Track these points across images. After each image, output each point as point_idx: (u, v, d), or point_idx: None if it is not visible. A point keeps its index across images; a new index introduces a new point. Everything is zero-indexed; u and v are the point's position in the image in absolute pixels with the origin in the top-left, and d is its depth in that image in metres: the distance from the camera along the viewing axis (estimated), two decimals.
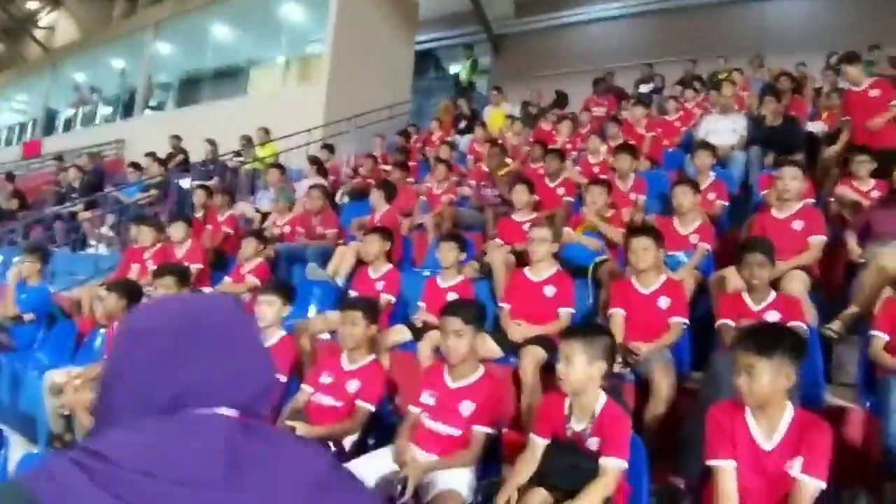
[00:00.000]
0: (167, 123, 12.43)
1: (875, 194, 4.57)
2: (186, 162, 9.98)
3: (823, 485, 2.06)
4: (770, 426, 2.18)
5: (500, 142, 7.78)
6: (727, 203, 5.34)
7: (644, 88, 10.27)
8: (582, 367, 2.42)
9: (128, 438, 0.72)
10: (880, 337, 3.08)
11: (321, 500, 0.74)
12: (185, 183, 8.74)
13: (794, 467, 2.10)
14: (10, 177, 12.09)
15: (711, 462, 2.20)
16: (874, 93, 5.38)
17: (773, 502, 2.12)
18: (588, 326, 2.75)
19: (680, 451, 2.92)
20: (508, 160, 7.11)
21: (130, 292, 4.15)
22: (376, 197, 6.13)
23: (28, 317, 5.17)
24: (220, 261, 6.23)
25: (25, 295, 5.26)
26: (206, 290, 5.27)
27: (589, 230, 4.83)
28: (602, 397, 2.51)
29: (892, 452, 2.66)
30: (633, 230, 3.86)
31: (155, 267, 5.46)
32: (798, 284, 3.73)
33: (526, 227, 4.90)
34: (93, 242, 8.25)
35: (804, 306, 3.42)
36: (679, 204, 4.50)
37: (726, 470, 2.16)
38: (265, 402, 0.84)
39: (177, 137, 10.56)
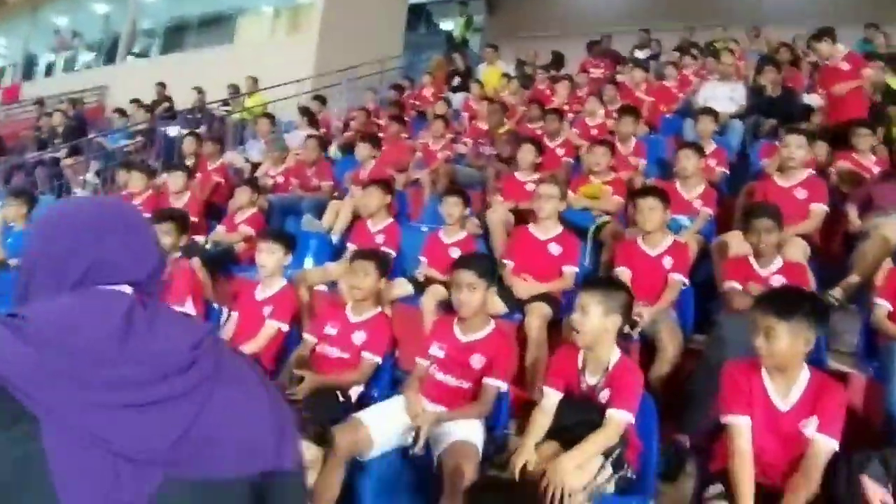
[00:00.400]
0: (151, 71, 12.08)
1: (875, 169, 4.60)
2: (172, 110, 9.72)
3: (837, 445, 2.10)
4: (786, 386, 2.20)
5: (497, 100, 7.67)
6: (727, 171, 5.35)
7: (641, 54, 10.17)
8: (597, 319, 2.42)
9: (45, 307, 0.89)
10: (883, 305, 3.13)
11: (205, 360, 0.90)
12: (172, 131, 8.53)
13: (809, 427, 2.13)
14: None
15: (727, 418, 2.22)
16: (845, 66, 5.54)
17: (787, 461, 2.15)
18: (608, 279, 2.74)
19: (685, 410, 2.97)
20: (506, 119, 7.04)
21: None
22: (363, 150, 6.03)
23: (14, 262, 5.03)
24: (210, 210, 6.12)
25: (11, 240, 5.12)
26: (200, 238, 5.17)
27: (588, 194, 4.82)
28: (616, 352, 2.51)
29: (892, 417, 2.72)
30: (641, 191, 3.86)
31: (145, 214, 5.37)
32: (798, 251, 3.76)
33: (529, 186, 4.89)
34: (76, 189, 8.05)
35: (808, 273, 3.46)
36: (683, 168, 4.49)
37: (742, 426, 2.19)
38: (157, 281, 1.02)
39: (162, 85, 10.28)
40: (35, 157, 8.85)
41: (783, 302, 2.21)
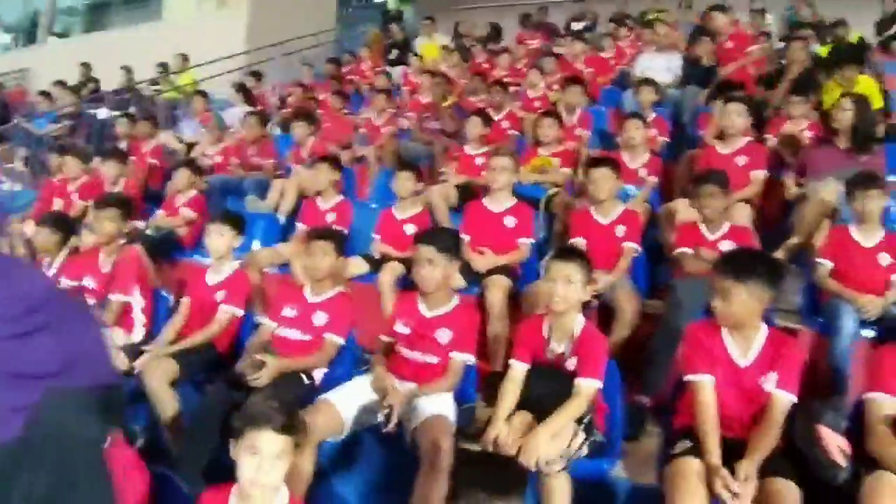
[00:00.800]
0: (74, 51, 11.46)
1: (808, 134, 4.79)
2: (98, 91, 9.25)
3: (795, 398, 2.21)
4: (746, 344, 2.29)
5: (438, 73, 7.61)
6: (668, 139, 5.48)
7: (576, 25, 10.26)
8: (580, 289, 2.47)
9: None
10: (825, 264, 3.30)
11: (58, 297, 1.10)
12: (101, 113, 8.12)
13: (769, 382, 2.23)
14: None
15: (690, 377, 2.30)
16: (729, 45, 6.21)
17: (749, 414, 2.25)
18: (579, 250, 2.77)
19: (645, 372, 3.06)
20: None
21: (64, 226, 3.85)
22: (300, 128, 5.89)
23: None
24: (146, 194, 5.87)
25: None
26: (140, 224, 4.96)
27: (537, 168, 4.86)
28: (581, 319, 2.56)
29: (838, 368, 2.88)
30: (594, 161, 3.92)
31: (81, 200, 5.11)
32: (744, 216, 3.92)
33: (478, 160, 4.89)
34: (2, 178, 7.57)
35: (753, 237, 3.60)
36: (631, 137, 4.58)
37: (705, 384, 2.27)
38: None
39: (86, 65, 9.75)
40: None
41: (740, 264, 2.29)
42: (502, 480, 1.60)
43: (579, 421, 2.35)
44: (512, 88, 7.09)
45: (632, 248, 3.64)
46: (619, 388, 2.70)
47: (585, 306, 3.24)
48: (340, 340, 3.09)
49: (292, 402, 2.17)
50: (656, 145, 5.27)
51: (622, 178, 4.10)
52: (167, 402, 2.89)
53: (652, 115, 5.48)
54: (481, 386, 3.06)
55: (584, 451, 2.35)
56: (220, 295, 3.45)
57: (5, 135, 8.13)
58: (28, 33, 14.98)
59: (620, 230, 3.67)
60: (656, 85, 5.72)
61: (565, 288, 2.46)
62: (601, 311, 3.37)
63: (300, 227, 4.53)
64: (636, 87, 5.75)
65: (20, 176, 7.52)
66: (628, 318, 3.22)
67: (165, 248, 4.76)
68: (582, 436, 2.33)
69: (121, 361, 3.12)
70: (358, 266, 4.03)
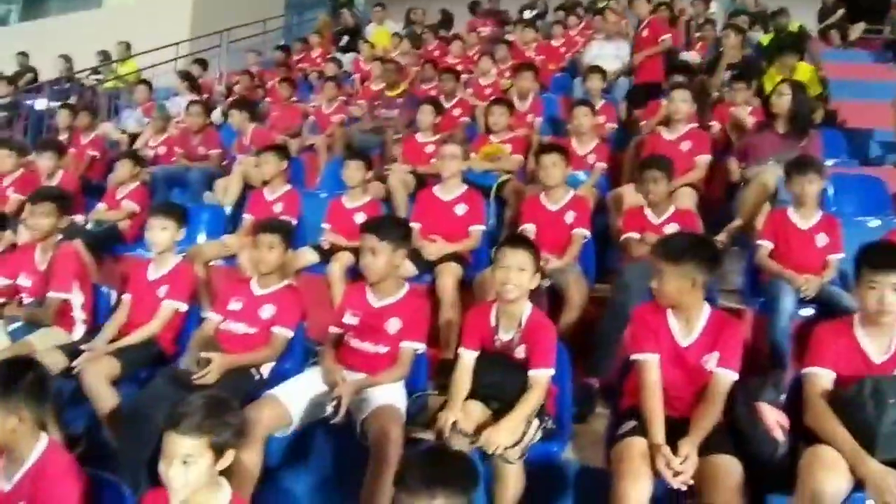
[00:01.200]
0: (10, 40, 10.97)
1: (750, 119, 4.90)
2: (36, 81, 8.89)
3: (736, 376, 2.26)
4: (688, 325, 2.34)
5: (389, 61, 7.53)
6: (616, 125, 5.55)
7: (528, 14, 10.27)
8: (530, 277, 2.48)
9: None
10: (765, 245, 3.38)
11: None
12: (39, 104, 7.81)
13: (710, 361, 2.28)
14: None
15: (637, 356, 2.34)
16: (646, 33, 6.36)
17: (692, 393, 2.30)
18: (529, 240, 2.77)
19: (594, 354, 3.10)
20: None
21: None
22: (238, 118, 5.76)
23: None
24: (86, 187, 5.67)
25: None
26: (79, 218, 4.79)
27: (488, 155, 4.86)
28: (528, 306, 2.57)
29: (778, 346, 2.97)
30: (544, 147, 3.94)
31: (16, 195, 4.90)
32: (688, 200, 4.00)
33: (429, 148, 4.86)
34: None
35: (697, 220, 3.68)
36: (579, 124, 4.62)
37: (651, 362, 2.31)
38: None
39: (24, 55, 9.35)
40: None
41: (672, 247, 2.36)
42: (450, 472, 1.58)
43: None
44: (464, 76, 7.10)
45: (581, 233, 3.68)
46: (569, 371, 2.72)
47: (534, 292, 3.28)
48: (289, 333, 3.02)
49: (230, 399, 2.08)
50: (605, 131, 5.33)
51: (571, 165, 4.16)
52: (107, 401, 2.79)
53: (600, 103, 5.54)
54: (433, 374, 3.06)
55: (538, 436, 2.36)
56: (162, 290, 3.34)
57: None
58: None
59: (570, 216, 3.70)
60: (604, 72, 5.77)
61: (518, 276, 2.46)
62: (550, 296, 3.39)
63: (247, 218, 4.44)
64: (585, 75, 5.80)
65: None
66: (576, 302, 3.26)
67: (107, 243, 4.61)
68: (536, 423, 2.34)
69: (59, 361, 3.01)
70: (308, 257, 3.97)
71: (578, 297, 3.27)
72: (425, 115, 5.03)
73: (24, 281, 3.52)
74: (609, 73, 6.24)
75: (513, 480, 2.29)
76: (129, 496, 2.01)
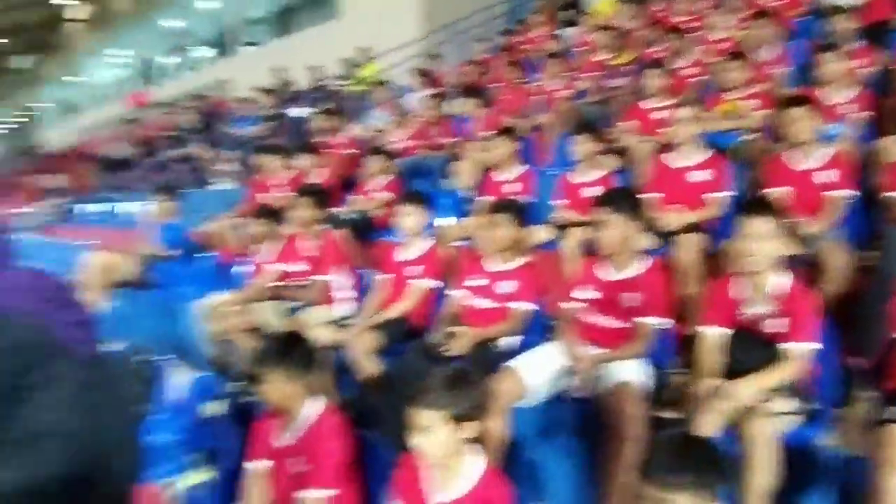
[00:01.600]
0: (264, 57, 12.61)
1: None
2: (295, 92, 10.13)
3: None
4: None
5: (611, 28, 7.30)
6: (877, 69, 4.79)
7: None
8: (775, 246, 2.32)
9: None
10: None
11: (50, 309, 1.05)
12: (297, 112, 8.89)
13: None
14: (129, 125, 12.75)
15: None
16: None
17: None
18: (768, 202, 2.57)
19: (859, 331, 2.77)
20: None
21: (270, 216, 4.35)
22: (469, 106, 5.96)
23: (174, 253, 5.51)
24: (343, 182, 6.35)
25: (164, 233, 5.61)
26: (339, 210, 5.41)
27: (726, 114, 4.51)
28: (783, 277, 2.38)
29: None
30: (789, 100, 3.56)
31: (285, 193, 5.68)
32: None
33: (657, 114, 4.66)
34: (213, 180, 8.62)
35: None
36: (827, 71, 4.10)
37: None
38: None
39: (280, 69, 10.72)
40: (177, 155, 9.58)
41: None
42: (699, 466, 1.50)
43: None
44: (696, 34, 6.63)
45: (839, 196, 3.28)
46: (835, 349, 2.47)
47: (792, 261, 3.01)
48: (529, 307, 3.15)
49: (470, 373, 2.20)
50: (862, 77, 4.64)
51: (822, 118, 3.71)
52: (369, 370, 3.16)
53: (853, 45, 4.82)
54: (678, 350, 2.97)
55: (793, 420, 2.20)
56: (413, 270, 3.68)
57: (216, 140, 9.21)
58: (220, 46, 16.68)
59: (823, 175, 3.33)
60: (846, 11, 5.02)
61: (759, 245, 2.30)
62: (807, 267, 3.08)
63: (481, 200, 4.65)
64: (829, 16, 5.10)
65: (233, 176, 8.50)
66: (836, 272, 2.93)
67: (364, 230, 5.15)
68: (788, 401, 2.18)
69: (326, 336, 3.46)
70: (542, 233, 4.06)
71: (838, 266, 2.94)
72: (651, 78, 4.82)
73: (293, 266, 4.10)
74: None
75: (764, 468, 2.12)
76: (391, 455, 2.26)
